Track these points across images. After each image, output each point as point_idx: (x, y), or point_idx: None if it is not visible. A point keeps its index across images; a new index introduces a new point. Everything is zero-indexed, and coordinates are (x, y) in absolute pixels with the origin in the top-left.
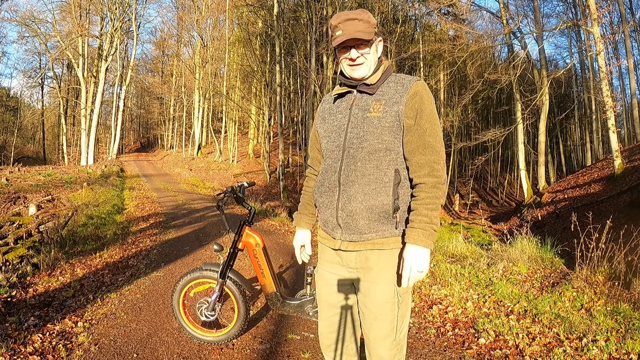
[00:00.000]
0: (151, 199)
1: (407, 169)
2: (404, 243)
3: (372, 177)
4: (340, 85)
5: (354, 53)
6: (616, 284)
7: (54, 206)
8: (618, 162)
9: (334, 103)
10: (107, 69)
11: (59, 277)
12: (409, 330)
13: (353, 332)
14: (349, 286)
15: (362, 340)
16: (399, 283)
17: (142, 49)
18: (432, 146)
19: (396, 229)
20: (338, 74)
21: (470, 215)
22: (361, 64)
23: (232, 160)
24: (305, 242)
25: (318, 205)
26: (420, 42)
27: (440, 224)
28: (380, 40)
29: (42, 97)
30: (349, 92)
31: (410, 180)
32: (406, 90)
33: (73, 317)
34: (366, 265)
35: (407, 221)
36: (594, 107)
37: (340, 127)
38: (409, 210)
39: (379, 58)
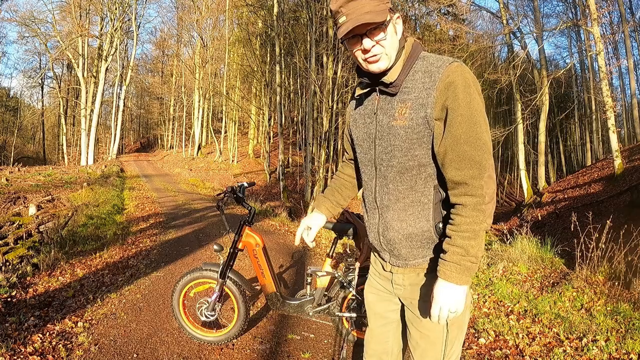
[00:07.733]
0: (151, 199)
1: None
2: None
3: (407, 201)
4: (360, 86)
5: (367, 43)
6: (616, 284)
7: (54, 206)
8: (618, 162)
9: (362, 103)
10: (107, 69)
11: (59, 277)
12: None
13: (399, 347)
14: (396, 298)
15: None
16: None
17: (142, 49)
18: (469, 157)
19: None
20: (355, 69)
21: None
22: (378, 54)
23: (232, 160)
24: (313, 227)
25: (364, 220)
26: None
27: None
28: (398, 17)
29: (42, 97)
30: (373, 90)
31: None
32: (435, 83)
33: (73, 317)
34: (416, 282)
35: None
36: (594, 107)
37: (370, 135)
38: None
39: (400, 40)
